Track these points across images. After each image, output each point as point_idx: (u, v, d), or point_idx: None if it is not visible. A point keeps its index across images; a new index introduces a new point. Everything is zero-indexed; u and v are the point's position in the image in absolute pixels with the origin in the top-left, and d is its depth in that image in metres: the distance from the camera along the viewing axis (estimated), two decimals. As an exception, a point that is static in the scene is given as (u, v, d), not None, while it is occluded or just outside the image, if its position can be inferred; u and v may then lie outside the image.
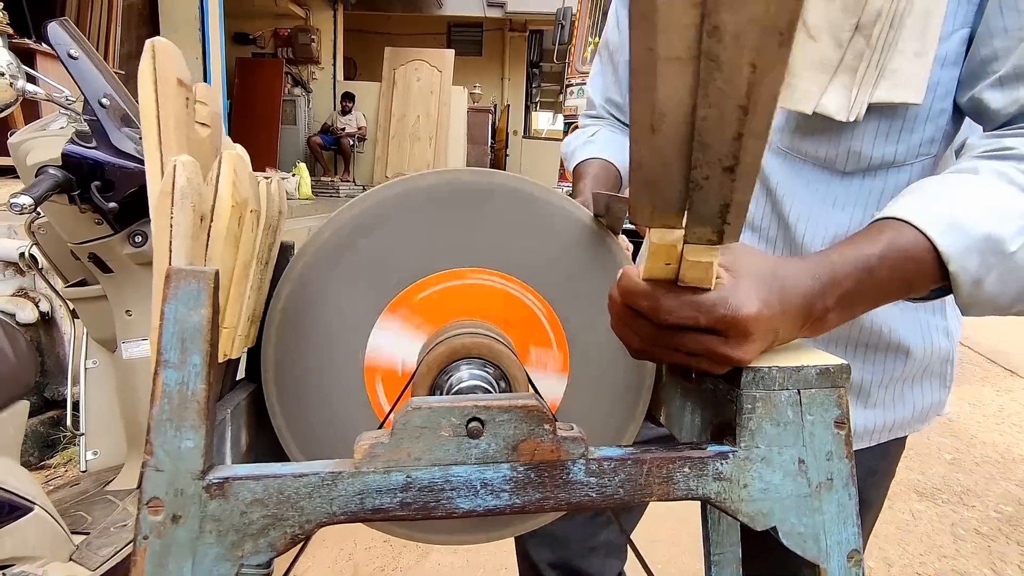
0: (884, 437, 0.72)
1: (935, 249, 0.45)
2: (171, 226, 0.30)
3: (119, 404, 1.41)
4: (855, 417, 0.69)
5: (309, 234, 0.44)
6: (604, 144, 0.86)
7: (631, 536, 0.84)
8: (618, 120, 0.93)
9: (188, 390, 0.31)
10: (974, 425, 3.09)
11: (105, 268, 1.32)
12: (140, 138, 1.26)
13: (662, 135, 0.26)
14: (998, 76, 0.54)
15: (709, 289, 0.37)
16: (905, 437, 0.75)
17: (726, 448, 0.38)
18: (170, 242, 0.30)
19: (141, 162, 1.23)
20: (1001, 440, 2.92)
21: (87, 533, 1.20)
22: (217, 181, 0.33)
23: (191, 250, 0.31)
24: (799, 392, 0.39)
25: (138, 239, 1.31)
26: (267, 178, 0.43)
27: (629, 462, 0.37)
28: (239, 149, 0.44)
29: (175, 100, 0.33)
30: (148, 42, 0.32)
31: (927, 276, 0.47)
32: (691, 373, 0.45)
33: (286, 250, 0.48)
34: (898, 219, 0.47)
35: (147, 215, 1.29)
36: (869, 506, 0.78)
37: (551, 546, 0.84)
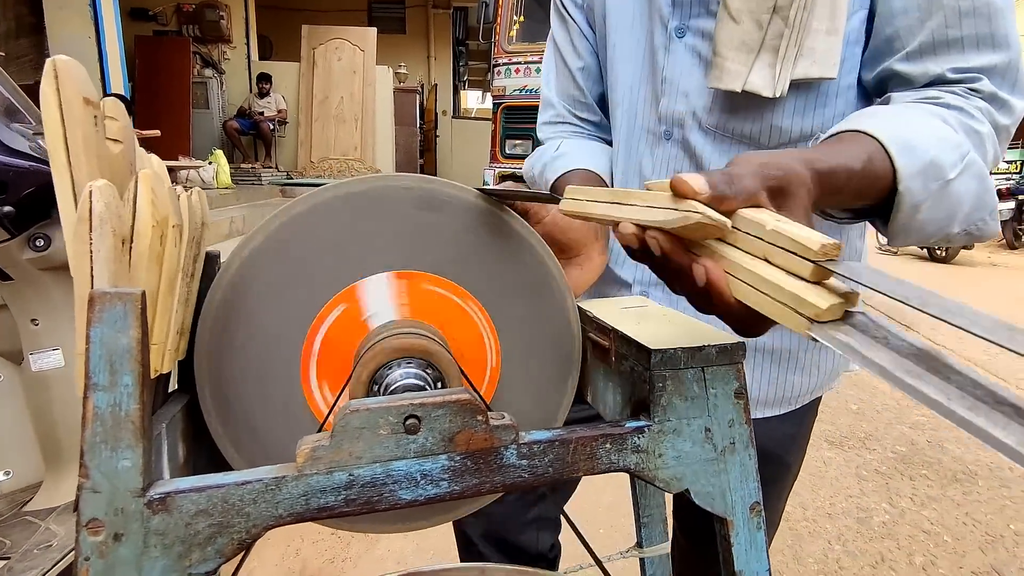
0: (807, 399, 0.78)
1: (892, 167, 0.49)
2: (91, 252, 0.30)
3: (31, 420, 1.31)
4: (788, 382, 0.75)
5: (231, 225, 0.43)
6: (576, 154, 0.79)
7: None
8: (580, 120, 0.86)
9: (121, 411, 0.31)
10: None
11: (3, 276, 1.22)
12: (33, 135, 1.16)
13: None
14: (905, 52, 0.60)
15: None
16: (820, 398, 0.82)
17: (642, 423, 0.42)
18: (91, 268, 0.30)
19: (36, 160, 1.14)
20: (897, 388, 3.25)
21: (7, 558, 1.13)
22: (135, 202, 0.33)
23: (114, 274, 0.31)
24: (703, 369, 0.43)
25: (39, 243, 1.21)
26: (186, 190, 0.43)
27: (557, 443, 0.40)
28: (155, 161, 0.43)
29: (83, 121, 0.32)
30: (48, 62, 0.31)
31: (876, 189, 0.50)
32: (609, 354, 0.49)
33: (213, 259, 0.48)
34: (865, 133, 0.50)
35: (47, 216, 1.20)
36: (789, 469, 0.84)
37: (484, 521, 0.87)
